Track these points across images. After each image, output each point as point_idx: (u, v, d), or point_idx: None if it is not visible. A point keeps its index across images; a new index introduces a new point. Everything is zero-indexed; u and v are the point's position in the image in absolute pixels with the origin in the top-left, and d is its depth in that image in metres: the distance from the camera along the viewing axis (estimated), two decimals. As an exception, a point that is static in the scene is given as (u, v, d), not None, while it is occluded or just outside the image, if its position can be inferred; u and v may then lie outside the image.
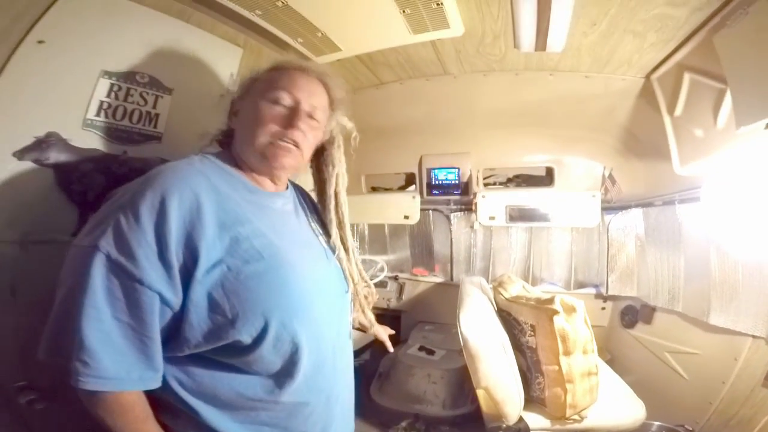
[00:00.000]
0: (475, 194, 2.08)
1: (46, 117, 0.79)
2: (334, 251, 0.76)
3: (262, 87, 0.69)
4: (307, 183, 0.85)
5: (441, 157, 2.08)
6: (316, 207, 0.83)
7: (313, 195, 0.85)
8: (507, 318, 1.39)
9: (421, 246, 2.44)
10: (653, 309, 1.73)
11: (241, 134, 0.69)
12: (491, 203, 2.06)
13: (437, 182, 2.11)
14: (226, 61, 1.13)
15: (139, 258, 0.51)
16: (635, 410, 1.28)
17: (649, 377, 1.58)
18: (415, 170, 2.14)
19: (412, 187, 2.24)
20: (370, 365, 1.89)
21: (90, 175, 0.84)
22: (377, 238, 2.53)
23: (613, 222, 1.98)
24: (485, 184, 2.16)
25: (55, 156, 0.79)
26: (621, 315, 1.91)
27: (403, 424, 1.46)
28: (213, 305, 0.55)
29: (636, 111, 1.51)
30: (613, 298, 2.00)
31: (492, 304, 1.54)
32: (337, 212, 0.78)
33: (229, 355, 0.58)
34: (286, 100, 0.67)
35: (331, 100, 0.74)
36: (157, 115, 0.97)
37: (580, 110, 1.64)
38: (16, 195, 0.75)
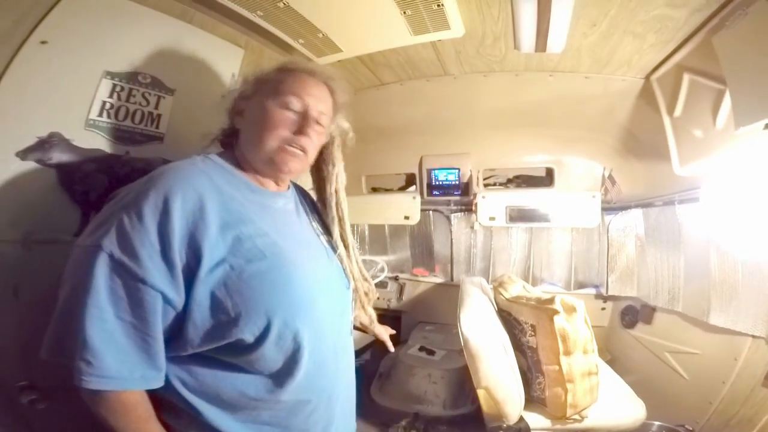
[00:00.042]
0: (475, 195, 2.08)
1: (48, 117, 0.79)
2: (335, 250, 0.77)
3: (269, 88, 0.69)
4: (305, 182, 0.85)
5: (441, 158, 2.08)
6: (316, 206, 0.83)
7: (312, 194, 0.85)
8: (507, 318, 1.39)
9: (422, 246, 2.44)
10: (653, 309, 1.73)
11: (247, 136, 0.69)
12: (491, 204, 2.07)
13: (437, 183, 2.11)
14: (228, 62, 1.13)
15: (142, 257, 0.51)
16: (635, 410, 1.28)
17: (650, 377, 1.58)
18: (416, 171, 2.14)
19: (413, 188, 2.24)
20: (371, 365, 1.89)
21: (92, 176, 0.85)
22: (377, 239, 2.53)
23: (613, 222, 1.98)
24: (485, 185, 2.16)
25: (58, 156, 0.80)
26: (621, 315, 1.92)
27: (403, 422, 1.46)
28: (216, 304, 0.55)
29: (636, 111, 1.51)
30: (613, 298, 2.00)
31: (492, 304, 1.54)
32: (337, 210, 0.79)
33: (231, 354, 0.58)
34: (296, 105, 0.67)
35: (335, 104, 0.75)
36: (159, 115, 0.97)
37: (579, 111, 1.64)
38: (18, 195, 0.75)
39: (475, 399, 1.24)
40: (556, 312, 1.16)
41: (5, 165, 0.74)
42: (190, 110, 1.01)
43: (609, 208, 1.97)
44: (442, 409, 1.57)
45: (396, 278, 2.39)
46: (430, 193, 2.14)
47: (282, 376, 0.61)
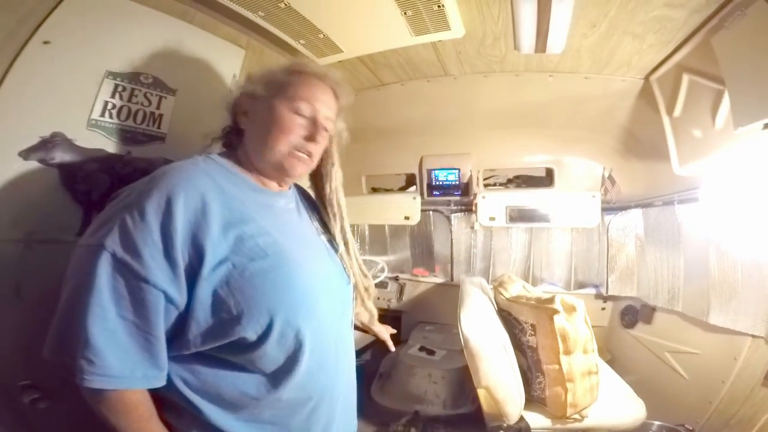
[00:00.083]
0: (475, 195, 2.09)
1: (51, 117, 0.79)
2: (335, 249, 0.77)
3: (279, 91, 0.68)
4: (302, 180, 0.86)
5: (441, 158, 2.08)
6: (316, 205, 0.84)
7: (311, 192, 0.85)
8: (507, 318, 1.40)
9: (422, 246, 2.44)
10: (653, 309, 1.73)
11: (255, 137, 0.69)
12: (491, 204, 2.07)
13: (437, 183, 2.11)
14: (229, 62, 1.13)
15: (145, 257, 0.51)
16: (635, 410, 1.28)
17: (649, 377, 1.58)
18: (416, 171, 2.15)
19: (413, 188, 2.25)
20: (371, 365, 1.89)
21: (94, 175, 0.85)
22: (378, 239, 2.54)
23: (612, 222, 1.98)
24: (485, 185, 2.16)
25: (60, 156, 0.80)
26: (621, 315, 1.92)
27: (403, 421, 1.46)
28: (218, 302, 0.55)
29: (635, 112, 1.52)
30: (613, 298, 2.01)
31: (492, 304, 1.54)
32: (338, 207, 0.79)
33: (233, 352, 0.58)
34: (307, 111, 0.68)
35: (339, 108, 0.75)
36: (161, 115, 0.97)
37: (579, 111, 1.65)
38: (21, 194, 0.76)
39: (476, 399, 1.24)
40: (556, 311, 1.16)
41: (8, 164, 0.74)
42: (191, 110, 1.02)
43: (609, 208, 1.97)
44: (442, 408, 1.58)
45: (396, 278, 2.39)
46: (430, 194, 2.14)
47: (283, 374, 0.61)
